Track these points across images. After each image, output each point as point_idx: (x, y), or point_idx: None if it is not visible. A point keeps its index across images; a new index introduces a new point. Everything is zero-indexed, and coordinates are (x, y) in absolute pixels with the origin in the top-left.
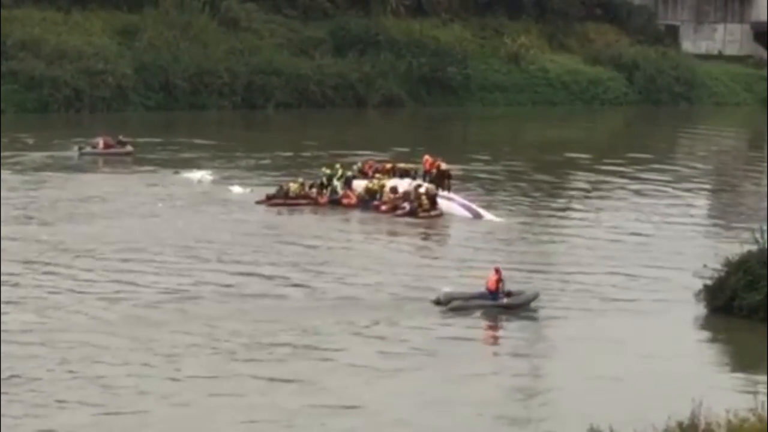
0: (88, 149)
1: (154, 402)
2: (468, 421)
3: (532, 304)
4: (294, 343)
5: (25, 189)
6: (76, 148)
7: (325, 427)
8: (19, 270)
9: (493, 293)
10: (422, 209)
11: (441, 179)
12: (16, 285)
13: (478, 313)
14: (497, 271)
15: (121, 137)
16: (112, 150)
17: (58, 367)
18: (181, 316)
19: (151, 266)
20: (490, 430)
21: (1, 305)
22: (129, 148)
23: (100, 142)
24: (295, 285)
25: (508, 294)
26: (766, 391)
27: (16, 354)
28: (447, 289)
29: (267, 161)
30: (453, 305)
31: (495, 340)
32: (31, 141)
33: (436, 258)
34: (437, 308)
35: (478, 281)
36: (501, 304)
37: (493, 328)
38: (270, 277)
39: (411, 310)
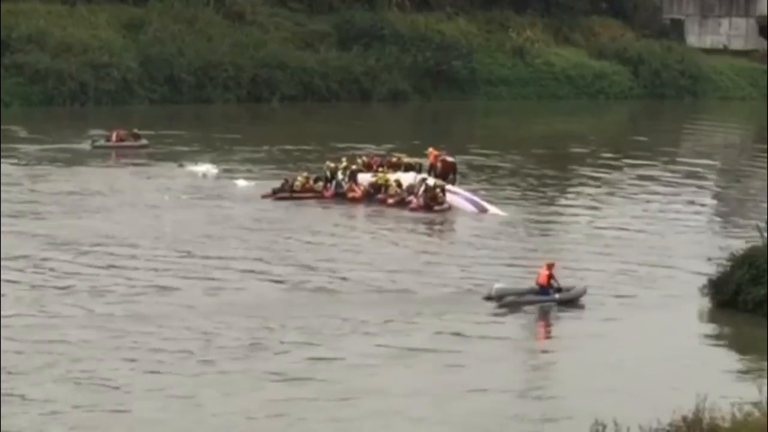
0: (102, 142)
1: (179, 391)
2: (468, 417)
3: (581, 300)
4: (346, 334)
5: (31, 182)
6: (89, 140)
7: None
8: (26, 263)
9: (545, 288)
10: (436, 203)
11: (446, 173)
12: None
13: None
14: (549, 266)
15: (135, 130)
16: (125, 143)
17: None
18: (228, 308)
19: (162, 260)
20: (493, 424)
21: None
22: (144, 141)
23: (114, 135)
24: (330, 277)
25: (558, 289)
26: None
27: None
28: (498, 284)
29: (272, 155)
30: (506, 301)
31: (500, 335)
32: (39, 134)
33: (453, 252)
34: (489, 303)
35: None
36: (553, 300)
37: (496, 322)
38: (302, 269)
39: (449, 303)
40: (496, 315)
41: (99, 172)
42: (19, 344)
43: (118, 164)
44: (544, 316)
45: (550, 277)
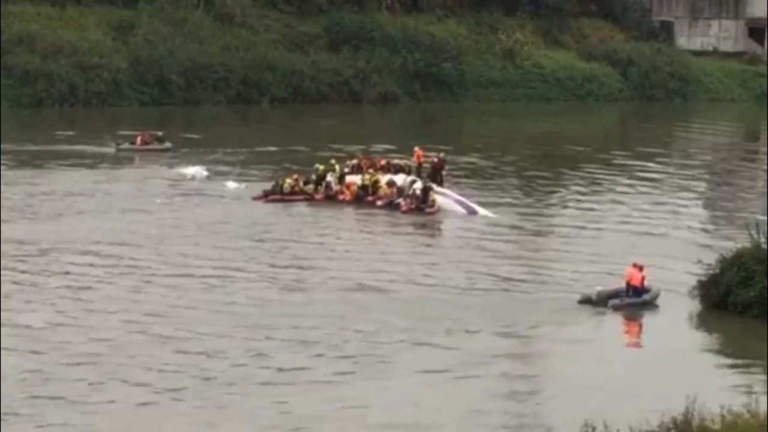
0: (126, 145)
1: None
2: (462, 421)
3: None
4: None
5: (18, 185)
6: (113, 143)
7: None
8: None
9: (638, 290)
10: (428, 205)
11: (435, 174)
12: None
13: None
14: (641, 267)
15: (160, 134)
16: (150, 146)
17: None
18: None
19: (170, 262)
20: (484, 424)
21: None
22: (167, 144)
23: (138, 138)
24: (313, 280)
25: (644, 290)
26: (765, 386)
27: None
28: (599, 288)
29: (261, 157)
30: (613, 304)
31: (489, 337)
32: (45, 135)
33: (442, 254)
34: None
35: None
36: (645, 301)
37: (484, 326)
38: (287, 271)
39: (425, 307)
40: (483, 318)
41: (90, 173)
42: None
43: (111, 167)
44: (535, 317)
45: (644, 277)
